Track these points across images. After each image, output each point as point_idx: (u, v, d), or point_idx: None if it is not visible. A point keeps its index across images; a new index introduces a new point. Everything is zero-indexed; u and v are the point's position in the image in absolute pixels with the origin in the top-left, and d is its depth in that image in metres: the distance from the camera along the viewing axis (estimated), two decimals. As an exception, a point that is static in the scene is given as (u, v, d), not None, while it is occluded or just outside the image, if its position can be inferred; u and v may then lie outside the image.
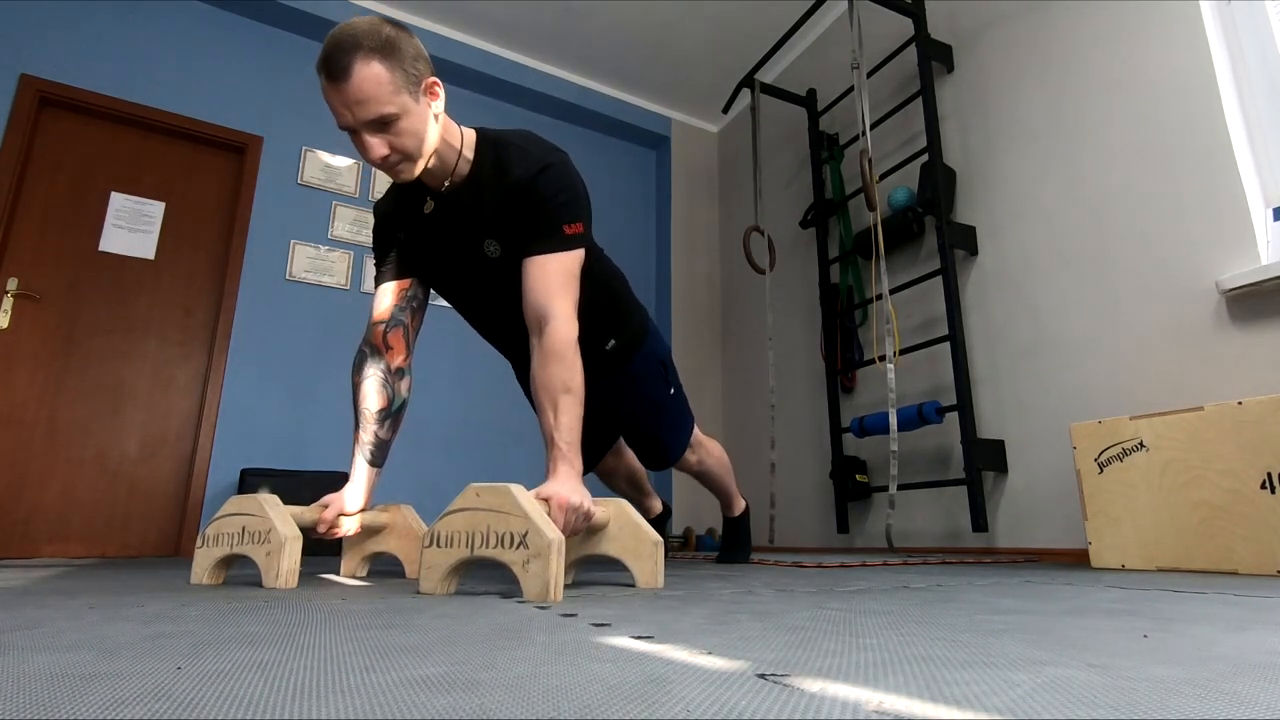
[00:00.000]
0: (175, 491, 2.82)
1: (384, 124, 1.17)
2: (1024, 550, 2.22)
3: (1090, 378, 2.12)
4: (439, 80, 1.26)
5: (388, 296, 1.44)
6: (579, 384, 1.20)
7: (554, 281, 1.25)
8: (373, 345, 1.41)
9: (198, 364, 2.95)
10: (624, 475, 1.93)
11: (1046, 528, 2.18)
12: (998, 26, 2.59)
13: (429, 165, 1.27)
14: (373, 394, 1.39)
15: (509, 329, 1.49)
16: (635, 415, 1.69)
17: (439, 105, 1.25)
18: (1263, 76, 1.88)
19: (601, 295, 1.49)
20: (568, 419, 1.17)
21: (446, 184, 1.32)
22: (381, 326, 1.42)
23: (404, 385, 1.44)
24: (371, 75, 1.14)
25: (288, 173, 3.25)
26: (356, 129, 1.17)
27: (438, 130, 1.25)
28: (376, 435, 1.39)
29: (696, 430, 1.83)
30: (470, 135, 1.32)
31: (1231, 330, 1.79)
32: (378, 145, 1.18)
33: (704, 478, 1.92)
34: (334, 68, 1.14)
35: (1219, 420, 1.52)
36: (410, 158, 1.22)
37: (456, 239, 1.37)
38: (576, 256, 1.29)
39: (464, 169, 1.31)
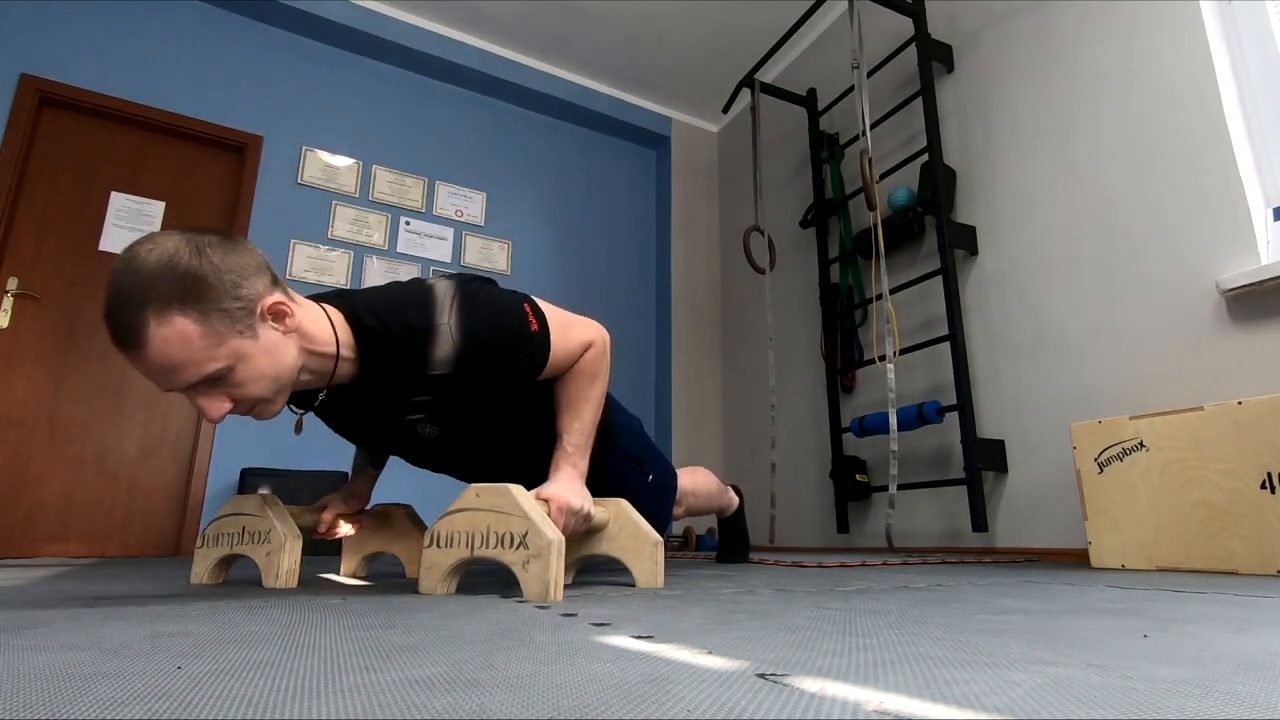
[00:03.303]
0: (175, 491, 2.82)
1: (214, 381, 0.90)
2: (1024, 550, 2.22)
3: (1090, 378, 2.12)
4: (284, 297, 0.95)
5: None
6: (598, 394, 1.20)
7: (564, 356, 1.14)
8: None
9: (198, 364, 2.95)
10: None
11: (1046, 528, 2.18)
12: (998, 26, 2.59)
13: (300, 379, 1.00)
14: None
15: (464, 469, 1.36)
16: None
17: (294, 320, 0.95)
18: (1263, 76, 1.88)
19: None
20: (580, 424, 1.17)
21: (324, 393, 1.07)
22: None
23: None
24: (176, 335, 0.84)
25: (287, 172, 3.25)
26: (181, 391, 0.90)
27: (296, 349, 0.96)
28: None
29: (680, 479, 1.72)
30: (342, 325, 1.01)
31: (1231, 330, 1.79)
32: (215, 405, 0.91)
33: (692, 514, 1.88)
34: (120, 333, 0.84)
35: (1219, 420, 1.52)
36: (264, 400, 0.95)
37: (370, 424, 1.18)
38: (559, 333, 1.13)
39: (348, 369, 1.03)
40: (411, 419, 1.13)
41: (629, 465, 1.48)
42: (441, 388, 1.07)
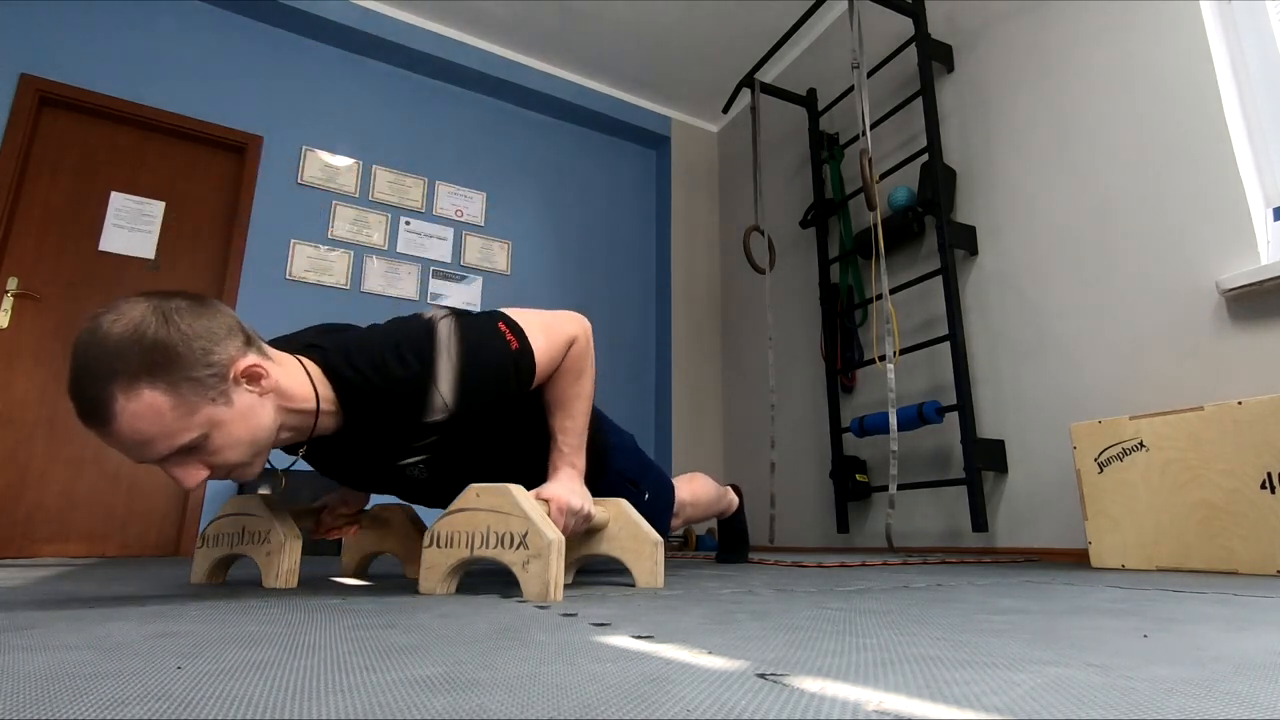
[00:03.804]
0: (175, 491, 2.82)
1: (189, 450, 0.87)
2: (1024, 550, 2.22)
3: (1090, 378, 2.12)
4: (259, 357, 0.92)
5: None
6: (588, 388, 1.19)
7: (549, 361, 1.11)
8: None
9: (198, 364, 2.95)
10: None
11: (1046, 528, 2.18)
12: (998, 26, 2.59)
13: (280, 437, 0.98)
14: None
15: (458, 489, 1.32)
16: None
17: (270, 380, 0.92)
18: (1263, 76, 1.88)
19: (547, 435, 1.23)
20: (573, 422, 1.16)
21: (304, 448, 1.07)
22: None
23: None
24: (145, 409, 0.81)
25: (287, 172, 3.26)
26: (154, 463, 0.88)
27: (274, 409, 0.93)
28: None
29: (677, 489, 1.70)
30: (320, 378, 0.98)
31: (1231, 330, 1.79)
32: (191, 474, 0.89)
33: (691, 523, 1.87)
34: (86, 408, 0.81)
35: (1219, 420, 1.52)
36: (242, 465, 0.93)
37: (358, 469, 1.17)
38: (541, 340, 1.09)
39: (330, 422, 1.00)
40: (403, 464, 1.11)
41: (624, 487, 1.46)
42: (437, 431, 1.05)
